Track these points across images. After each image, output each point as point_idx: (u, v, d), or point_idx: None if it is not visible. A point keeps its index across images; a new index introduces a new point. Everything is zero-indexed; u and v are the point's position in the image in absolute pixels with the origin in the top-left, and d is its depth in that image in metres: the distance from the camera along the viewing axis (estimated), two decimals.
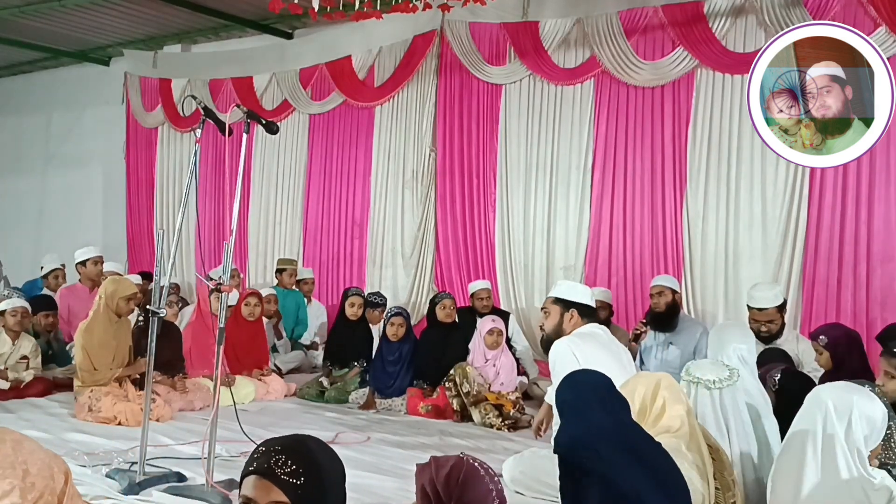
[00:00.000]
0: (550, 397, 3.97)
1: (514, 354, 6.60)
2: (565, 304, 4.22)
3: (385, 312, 6.88)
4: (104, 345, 5.51)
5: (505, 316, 6.96)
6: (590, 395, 2.75)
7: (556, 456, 2.69)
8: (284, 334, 7.76)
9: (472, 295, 7.25)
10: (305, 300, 8.37)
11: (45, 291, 7.60)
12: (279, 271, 8.39)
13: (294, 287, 8.32)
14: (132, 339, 5.73)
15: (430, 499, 2.26)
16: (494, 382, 5.95)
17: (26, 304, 6.26)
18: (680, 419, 3.10)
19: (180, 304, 7.76)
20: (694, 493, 2.90)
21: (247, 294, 6.87)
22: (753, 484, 3.39)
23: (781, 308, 5.43)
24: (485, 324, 6.20)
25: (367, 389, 6.41)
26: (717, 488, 3.07)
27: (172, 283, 7.74)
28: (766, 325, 5.33)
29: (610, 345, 4.15)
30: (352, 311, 6.87)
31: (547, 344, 4.20)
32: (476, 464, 2.31)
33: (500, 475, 3.98)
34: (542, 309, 4.48)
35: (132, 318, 5.94)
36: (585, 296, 4.29)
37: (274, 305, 7.54)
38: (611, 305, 6.66)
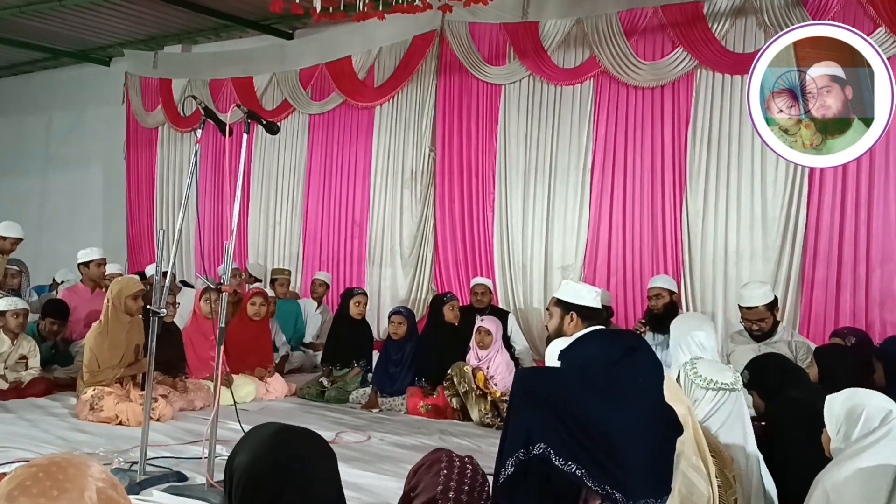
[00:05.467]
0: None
1: (513, 354, 6.61)
2: (566, 307, 4.17)
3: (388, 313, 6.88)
4: (115, 346, 5.49)
5: (504, 315, 6.97)
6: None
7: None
8: (284, 337, 7.76)
9: (471, 290, 7.27)
10: (315, 305, 8.34)
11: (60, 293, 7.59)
12: (272, 281, 8.34)
13: (288, 296, 8.22)
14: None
15: (404, 490, 2.37)
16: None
17: (27, 305, 6.29)
18: (683, 420, 3.10)
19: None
20: (699, 497, 2.93)
21: (252, 293, 6.84)
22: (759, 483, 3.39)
23: (771, 306, 5.38)
24: (477, 322, 6.21)
25: (367, 389, 6.42)
26: (719, 486, 3.08)
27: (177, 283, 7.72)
28: (757, 324, 5.32)
29: None
30: (356, 310, 6.85)
31: None
32: (443, 454, 2.35)
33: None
34: (546, 309, 4.47)
35: None
36: (589, 298, 4.20)
37: (273, 307, 7.49)
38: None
